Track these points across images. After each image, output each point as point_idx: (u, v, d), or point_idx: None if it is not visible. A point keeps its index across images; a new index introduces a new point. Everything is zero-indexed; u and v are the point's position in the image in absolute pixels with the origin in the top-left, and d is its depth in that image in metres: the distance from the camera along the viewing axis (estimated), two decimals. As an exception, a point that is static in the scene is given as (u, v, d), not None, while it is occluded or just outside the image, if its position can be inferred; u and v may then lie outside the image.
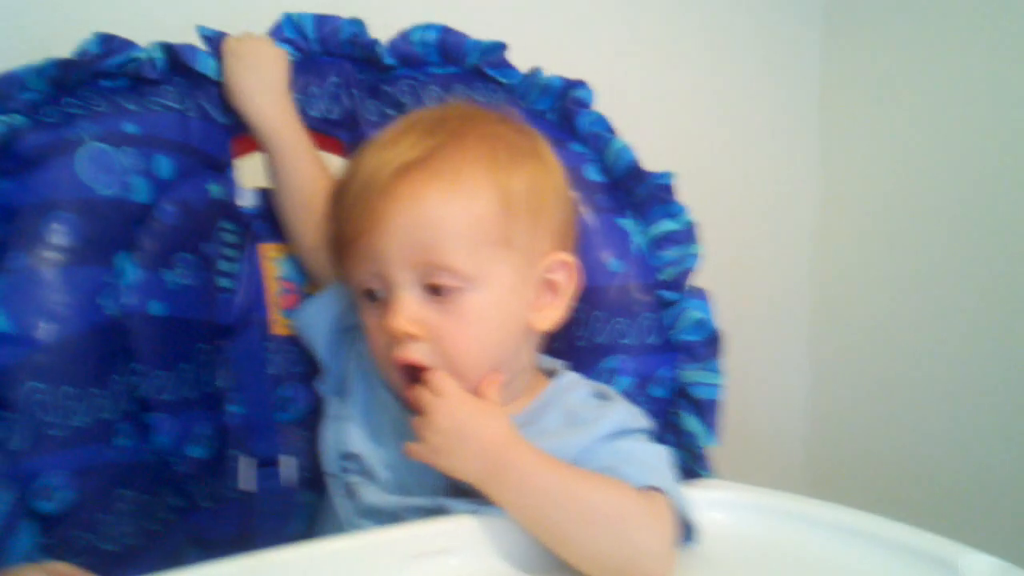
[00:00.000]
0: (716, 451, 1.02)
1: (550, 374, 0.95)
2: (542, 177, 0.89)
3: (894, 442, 1.63)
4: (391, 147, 0.85)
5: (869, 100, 1.69)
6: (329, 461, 0.94)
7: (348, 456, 0.92)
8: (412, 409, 0.86)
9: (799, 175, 1.78)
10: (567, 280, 0.91)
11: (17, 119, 0.86)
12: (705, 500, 0.89)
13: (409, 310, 0.83)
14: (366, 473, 0.91)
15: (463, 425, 0.80)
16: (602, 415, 0.87)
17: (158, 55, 0.97)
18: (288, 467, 1.02)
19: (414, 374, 0.85)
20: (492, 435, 0.80)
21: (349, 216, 0.85)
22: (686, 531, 0.82)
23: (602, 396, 0.92)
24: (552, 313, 0.91)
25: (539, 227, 0.88)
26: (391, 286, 0.84)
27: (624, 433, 0.86)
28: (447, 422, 0.81)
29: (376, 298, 0.86)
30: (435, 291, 0.83)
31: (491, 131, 0.89)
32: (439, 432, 0.81)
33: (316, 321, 1.00)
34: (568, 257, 0.90)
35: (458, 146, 0.85)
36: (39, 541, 0.79)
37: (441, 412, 0.81)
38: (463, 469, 0.80)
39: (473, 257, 0.83)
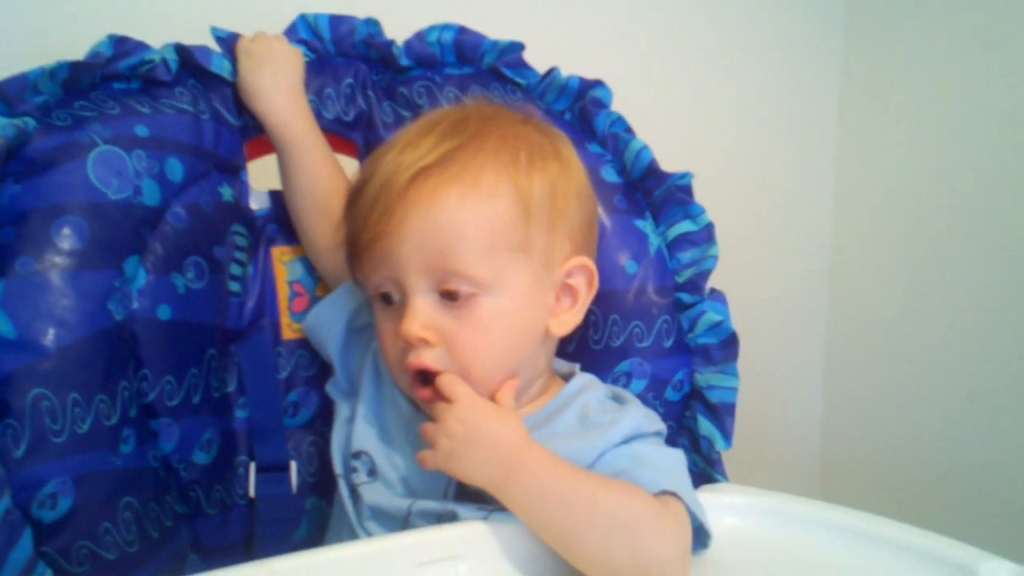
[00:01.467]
0: (731, 455, 1.00)
1: (565, 377, 0.94)
2: (563, 179, 0.87)
3: (911, 446, 1.61)
4: (410, 150, 0.83)
5: (888, 99, 1.67)
6: (338, 463, 0.93)
7: (356, 455, 0.91)
8: (424, 411, 0.85)
9: (816, 175, 1.76)
10: (586, 285, 0.89)
11: (28, 122, 0.85)
12: (719, 505, 0.87)
13: (423, 316, 0.82)
14: (373, 472, 0.90)
15: (476, 429, 0.79)
16: (617, 418, 0.85)
17: (171, 56, 0.96)
18: (293, 472, 1.01)
19: (427, 379, 0.84)
20: (506, 439, 0.79)
21: (365, 220, 0.83)
22: (700, 536, 0.81)
23: (617, 399, 0.90)
24: (570, 318, 0.89)
25: (558, 231, 0.86)
26: (406, 291, 0.83)
27: (639, 436, 0.85)
28: (459, 427, 0.79)
29: (391, 302, 0.85)
30: (450, 297, 0.82)
31: (512, 132, 0.87)
32: (451, 437, 0.79)
33: (328, 321, 0.99)
34: (587, 261, 0.89)
35: (477, 148, 0.83)
36: (39, 550, 0.78)
37: (453, 417, 0.79)
38: (476, 474, 0.79)
39: (489, 263, 0.82)
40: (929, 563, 0.78)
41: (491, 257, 0.82)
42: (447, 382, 0.82)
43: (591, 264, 0.89)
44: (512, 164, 0.84)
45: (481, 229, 0.81)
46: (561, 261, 0.87)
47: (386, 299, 0.86)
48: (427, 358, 0.83)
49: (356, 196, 0.86)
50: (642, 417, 0.87)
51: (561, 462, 0.78)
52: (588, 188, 0.92)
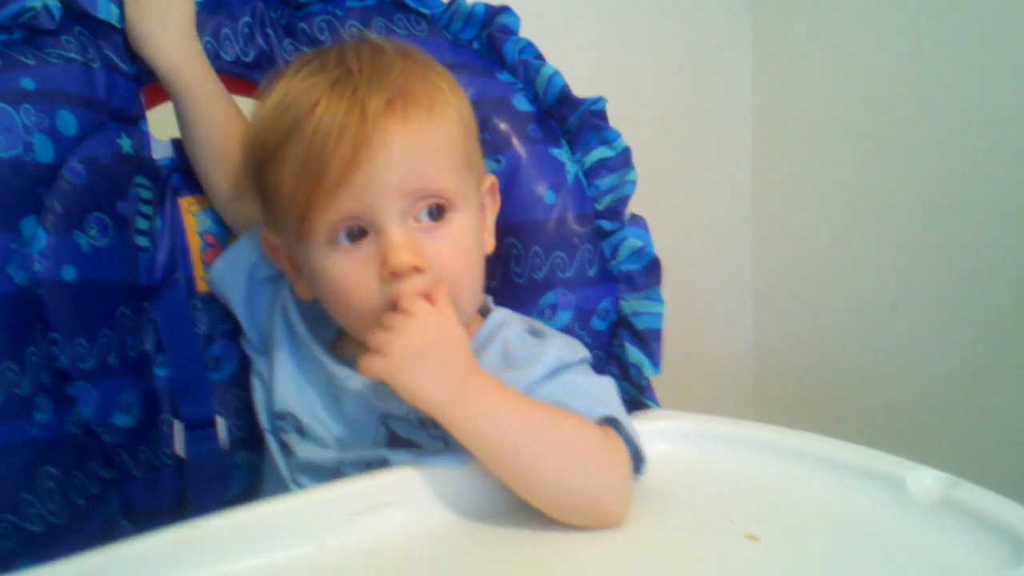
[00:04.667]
0: (664, 380, 1.00)
1: (481, 312, 0.92)
2: (468, 105, 0.89)
3: (841, 358, 1.64)
4: (349, 81, 0.79)
5: (803, 11, 1.66)
6: (264, 419, 0.91)
7: (281, 415, 0.89)
8: (349, 355, 0.83)
9: (733, 94, 1.75)
10: (493, 203, 0.92)
11: (-96, 79, 0.80)
12: (650, 431, 0.87)
13: (409, 242, 0.79)
14: (301, 431, 0.88)
15: (435, 344, 0.76)
16: (541, 352, 0.85)
17: (54, 3, 0.90)
18: (222, 428, 0.99)
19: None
20: (461, 360, 0.77)
21: (330, 158, 0.77)
22: (635, 463, 0.80)
23: (536, 333, 0.90)
24: (489, 237, 0.91)
25: (478, 151, 0.89)
26: (380, 221, 0.79)
27: (565, 367, 0.84)
28: (419, 337, 0.75)
29: (356, 240, 0.80)
30: (431, 216, 0.81)
31: (425, 62, 0.87)
32: (409, 346, 0.75)
33: (227, 276, 0.97)
34: (495, 179, 0.92)
35: (412, 75, 0.83)
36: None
37: (415, 326, 0.76)
38: (427, 389, 0.75)
39: (457, 177, 0.83)
40: (859, 476, 0.80)
41: (456, 172, 0.83)
42: (409, 298, 0.78)
43: (497, 182, 0.93)
44: (445, 87, 0.85)
45: (449, 145, 0.83)
46: (483, 180, 0.90)
47: (351, 237, 0.81)
48: (423, 285, 0.79)
49: (292, 143, 0.80)
50: (564, 347, 0.86)
51: (509, 388, 0.77)
52: None
